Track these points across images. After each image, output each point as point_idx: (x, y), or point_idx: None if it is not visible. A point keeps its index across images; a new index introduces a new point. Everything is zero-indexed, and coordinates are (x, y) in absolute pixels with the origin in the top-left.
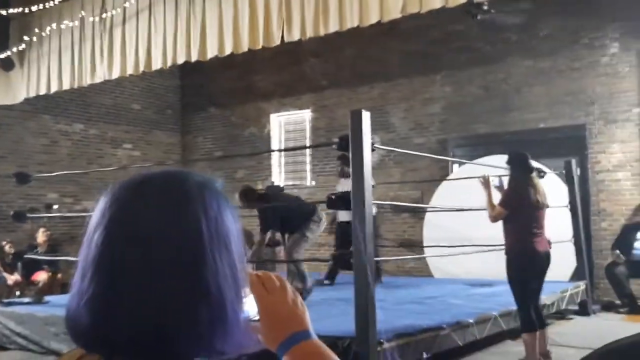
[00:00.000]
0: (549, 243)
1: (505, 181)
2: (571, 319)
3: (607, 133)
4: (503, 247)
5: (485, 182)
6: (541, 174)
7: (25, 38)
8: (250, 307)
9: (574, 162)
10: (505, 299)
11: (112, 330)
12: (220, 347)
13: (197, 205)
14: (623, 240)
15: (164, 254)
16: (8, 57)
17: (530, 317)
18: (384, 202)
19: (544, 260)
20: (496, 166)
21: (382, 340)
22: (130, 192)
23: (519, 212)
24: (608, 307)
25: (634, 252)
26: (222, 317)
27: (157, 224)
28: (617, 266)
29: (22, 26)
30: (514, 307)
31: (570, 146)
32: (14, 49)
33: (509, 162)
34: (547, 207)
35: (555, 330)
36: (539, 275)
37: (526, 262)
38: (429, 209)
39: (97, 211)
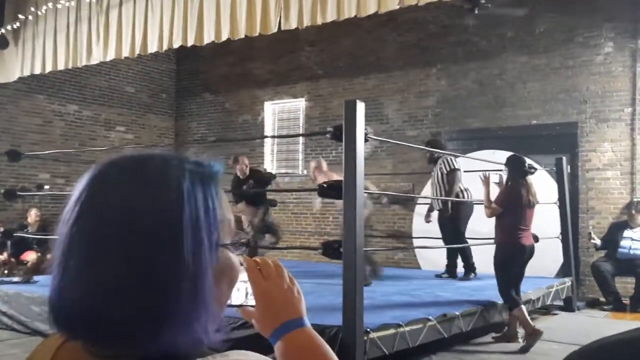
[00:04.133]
0: (535, 238)
1: (504, 179)
2: (556, 314)
3: (599, 132)
4: (492, 240)
5: (486, 180)
6: (531, 170)
7: (21, 16)
8: (245, 293)
9: (564, 159)
10: (491, 293)
11: (69, 313)
12: (176, 339)
13: (154, 188)
14: (610, 239)
15: (113, 238)
16: (3, 35)
17: (513, 296)
18: (375, 192)
19: (528, 253)
20: (488, 160)
21: (368, 330)
22: (98, 172)
23: (512, 209)
24: (593, 304)
25: (620, 250)
26: (175, 307)
27: (110, 205)
28: (602, 263)
29: (18, 4)
30: (500, 301)
31: (562, 143)
32: (9, 27)
33: (507, 164)
34: (535, 204)
35: (540, 325)
36: (521, 264)
37: (512, 253)
38: (419, 201)
39: (76, 189)
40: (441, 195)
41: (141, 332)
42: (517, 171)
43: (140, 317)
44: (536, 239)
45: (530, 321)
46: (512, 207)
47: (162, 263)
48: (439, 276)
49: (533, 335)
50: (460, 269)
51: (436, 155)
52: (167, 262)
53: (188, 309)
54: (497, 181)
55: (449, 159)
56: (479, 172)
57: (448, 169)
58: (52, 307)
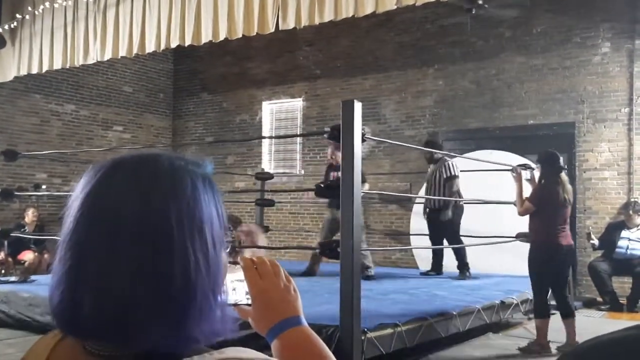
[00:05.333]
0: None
1: (536, 175)
2: (553, 314)
3: (596, 132)
4: (490, 241)
5: (518, 177)
6: (565, 167)
7: (18, 16)
8: (242, 292)
9: (562, 159)
10: (489, 293)
11: (79, 313)
12: (192, 334)
13: (165, 189)
14: (607, 239)
15: (127, 238)
16: (0, 35)
17: (543, 305)
18: (372, 192)
19: (567, 254)
20: (484, 160)
21: (366, 330)
22: (103, 173)
23: (546, 208)
24: (589, 304)
25: (617, 250)
26: (191, 305)
27: (122, 207)
28: (599, 263)
29: (15, 3)
30: (497, 300)
31: (559, 144)
32: (6, 26)
33: (540, 161)
34: (570, 203)
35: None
36: (561, 267)
37: (548, 255)
38: (417, 201)
39: (76, 190)
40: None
41: (155, 331)
42: (552, 168)
43: (157, 317)
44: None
45: (547, 336)
46: (547, 206)
47: (180, 261)
48: (425, 274)
49: (540, 348)
50: (450, 269)
51: (436, 156)
52: (186, 260)
53: (204, 306)
54: (529, 178)
55: (449, 164)
56: (508, 170)
57: (448, 174)
58: (54, 306)
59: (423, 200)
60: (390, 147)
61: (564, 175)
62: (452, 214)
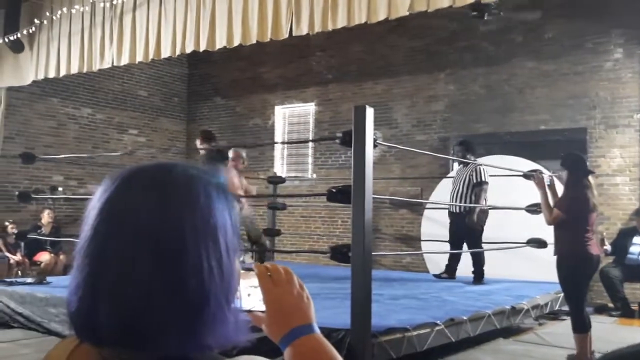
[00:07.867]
0: (543, 243)
1: (556, 179)
2: (564, 319)
3: (608, 138)
4: (501, 246)
5: (540, 182)
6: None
7: (36, 21)
8: (256, 299)
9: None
10: (499, 298)
11: (96, 319)
12: (206, 341)
13: (181, 197)
14: (619, 244)
15: (144, 246)
16: (18, 39)
17: (583, 319)
18: (383, 197)
19: (595, 264)
20: (495, 166)
21: (376, 334)
22: (120, 182)
23: (576, 215)
24: (601, 310)
25: (629, 256)
26: (205, 311)
27: (139, 215)
28: (611, 269)
29: (33, 9)
30: (507, 305)
31: (571, 149)
32: (24, 31)
33: (564, 164)
34: (597, 208)
35: (548, 331)
36: (588, 277)
37: (579, 265)
38: (427, 206)
39: (94, 198)
40: (462, 201)
41: (170, 338)
42: (580, 171)
43: (171, 323)
44: (544, 244)
45: (588, 351)
46: (577, 213)
47: (195, 269)
48: (437, 276)
49: None
50: (463, 273)
51: (468, 159)
52: (200, 268)
53: (217, 313)
54: (549, 183)
55: (480, 169)
56: (520, 175)
57: (478, 179)
58: (72, 313)
59: (436, 206)
60: (401, 151)
61: (592, 179)
62: (476, 219)
